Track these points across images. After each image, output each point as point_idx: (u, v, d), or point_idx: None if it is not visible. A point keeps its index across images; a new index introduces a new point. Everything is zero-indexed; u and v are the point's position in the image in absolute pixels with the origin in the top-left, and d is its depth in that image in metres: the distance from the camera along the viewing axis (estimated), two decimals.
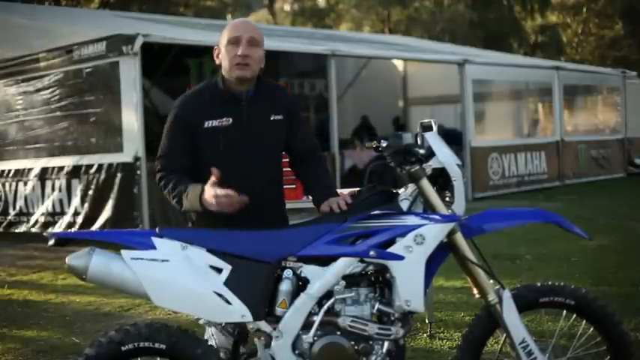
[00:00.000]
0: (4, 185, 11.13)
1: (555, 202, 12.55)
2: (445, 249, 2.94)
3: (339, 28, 35.27)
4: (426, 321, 4.91)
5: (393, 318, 2.89)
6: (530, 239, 8.30)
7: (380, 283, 2.93)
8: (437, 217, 2.87)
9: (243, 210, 2.95)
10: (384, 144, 2.97)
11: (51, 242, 2.90)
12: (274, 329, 2.84)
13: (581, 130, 17.82)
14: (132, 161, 9.41)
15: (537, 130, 17.33)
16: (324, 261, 2.87)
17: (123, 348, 2.73)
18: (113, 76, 9.60)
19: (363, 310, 2.89)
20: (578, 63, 27.12)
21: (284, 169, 3.36)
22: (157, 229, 2.92)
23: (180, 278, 2.80)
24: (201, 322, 2.96)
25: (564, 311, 3.12)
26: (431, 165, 2.92)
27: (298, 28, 25.35)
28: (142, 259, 2.80)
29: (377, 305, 2.90)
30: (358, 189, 3.11)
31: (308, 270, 2.87)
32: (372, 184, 3.05)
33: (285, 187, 3.40)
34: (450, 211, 2.91)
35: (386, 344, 2.88)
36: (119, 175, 9.51)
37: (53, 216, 10.31)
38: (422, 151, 2.94)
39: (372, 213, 2.89)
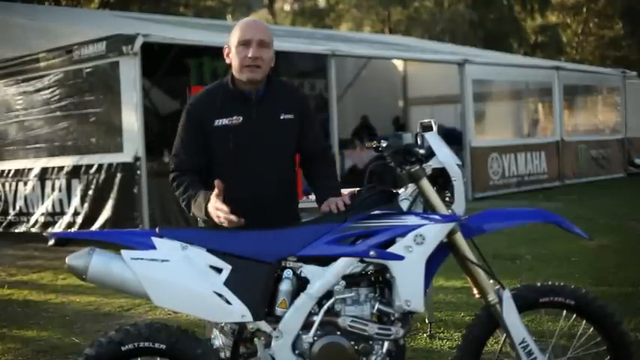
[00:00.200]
0: (4, 185, 11.13)
1: (555, 202, 12.55)
2: (445, 249, 2.94)
3: (339, 28, 35.28)
4: (426, 321, 4.91)
5: (393, 318, 2.89)
6: (530, 239, 8.30)
7: (380, 283, 2.93)
8: (437, 217, 2.87)
9: (254, 210, 2.99)
10: (384, 144, 2.97)
11: (51, 242, 2.90)
12: (274, 329, 2.84)
13: (581, 130, 17.81)
14: (132, 161, 9.41)
15: (537, 130, 17.33)
16: (324, 261, 2.87)
17: (123, 348, 2.73)
18: (113, 76, 9.59)
19: (363, 310, 2.89)
20: (578, 63, 27.12)
21: None
22: (157, 229, 2.93)
23: (181, 278, 2.80)
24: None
25: (564, 311, 3.12)
26: (431, 165, 2.92)
27: (298, 28, 25.35)
28: (142, 259, 2.81)
29: (377, 305, 2.90)
30: (358, 189, 3.11)
31: (308, 270, 2.87)
32: (372, 184, 3.05)
33: None
34: (450, 211, 2.91)
35: (386, 344, 2.88)
36: (119, 175, 9.50)
37: (53, 216, 10.31)
38: (422, 151, 2.94)
39: (372, 213, 2.89)
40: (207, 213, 2.94)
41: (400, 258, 2.82)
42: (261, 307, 2.84)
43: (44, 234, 3.02)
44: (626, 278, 6.28)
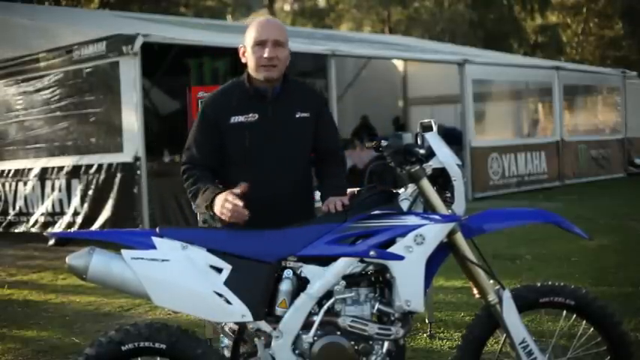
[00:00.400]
0: (4, 185, 11.13)
1: (555, 202, 12.55)
2: (445, 249, 2.94)
3: (339, 28, 35.26)
4: (426, 321, 4.91)
5: (393, 318, 2.89)
6: (530, 239, 8.30)
7: (380, 283, 2.93)
8: (437, 217, 2.87)
9: (268, 209, 3.02)
10: (384, 144, 2.97)
11: (51, 242, 2.91)
12: (274, 329, 2.84)
13: (581, 130, 17.81)
14: (132, 161, 9.41)
15: (537, 130, 17.33)
16: (324, 261, 2.87)
17: (123, 348, 2.73)
18: (113, 76, 9.59)
19: (363, 310, 2.89)
20: (578, 63, 27.11)
21: None
22: (157, 229, 2.93)
23: (181, 278, 2.80)
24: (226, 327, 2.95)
25: (564, 311, 3.12)
26: (431, 165, 2.92)
27: (298, 28, 25.34)
28: (142, 258, 2.81)
29: (377, 305, 2.90)
30: (358, 189, 3.11)
31: (308, 270, 2.87)
32: (372, 184, 3.05)
33: None
34: (450, 211, 2.91)
35: (386, 344, 2.89)
36: (119, 175, 9.50)
37: (53, 216, 10.31)
38: (422, 151, 2.94)
39: (372, 213, 2.89)
40: (211, 205, 2.95)
41: (400, 258, 2.82)
42: (262, 307, 2.84)
43: (44, 234, 3.02)
44: (626, 278, 6.28)
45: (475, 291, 3.04)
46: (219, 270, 2.84)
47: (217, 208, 2.93)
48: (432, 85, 17.06)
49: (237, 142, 3.13)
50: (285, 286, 2.87)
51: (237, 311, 2.80)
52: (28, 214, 10.68)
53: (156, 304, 2.91)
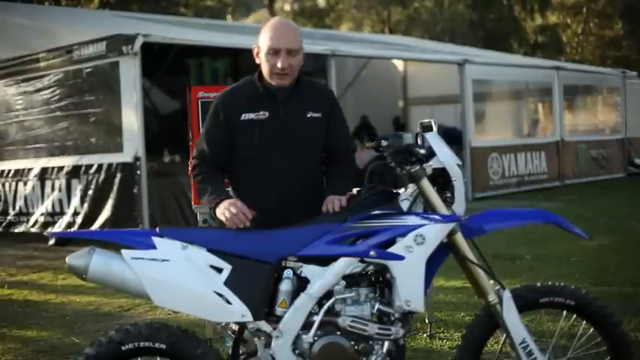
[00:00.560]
0: (4, 185, 11.13)
1: (555, 202, 12.55)
2: (445, 249, 2.94)
3: (339, 28, 35.26)
4: (426, 321, 4.91)
5: (393, 318, 2.89)
6: (530, 239, 8.30)
7: (380, 283, 2.93)
8: (437, 217, 2.87)
9: (277, 208, 3.06)
10: (384, 144, 2.97)
11: (51, 242, 2.91)
12: (274, 329, 2.84)
13: (581, 130, 17.81)
14: (132, 161, 9.41)
15: (537, 130, 17.33)
16: (325, 261, 2.87)
17: (123, 348, 2.73)
18: (113, 76, 9.59)
19: (363, 310, 2.89)
20: (578, 63, 27.10)
21: None
22: (157, 229, 2.93)
23: (181, 278, 2.80)
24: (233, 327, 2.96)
25: (564, 311, 3.12)
26: (431, 165, 2.92)
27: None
28: (142, 258, 2.81)
29: (377, 305, 2.90)
30: (358, 189, 3.11)
31: (308, 270, 2.88)
32: (372, 184, 3.04)
33: None
34: (450, 211, 2.91)
35: (386, 344, 2.89)
36: (119, 175, 9.50)
37: (53, 216, 10.31)
38: (422, 151, 2.94)
39: (372, 213, 2.89)
40: (215, 208, 2.99)
41: (400, 258, 2.82)
42: (262, 307, 2.84)
43: (44, 233, 3.02)
44: (626, 278, 6.28)
45: (475, 291, 3.04)
46: (219, 270, 2.84)
47: (220, 211, 2.96)
48: (432, 85, 17.06)
49: (246, 139, 3.14)
50: (285, 286, 2.87)
51: (237, 311, 2.80)
52: (28, 214, 10.68)
53: (156, 304, 2.91)
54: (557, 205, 11.65)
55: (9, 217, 10.98)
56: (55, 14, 15.37)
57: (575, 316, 3.13)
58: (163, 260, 2.81)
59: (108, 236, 3.11)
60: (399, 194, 2.98)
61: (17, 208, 10.86)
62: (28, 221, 10.67)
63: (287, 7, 39.93)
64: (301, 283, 2.87)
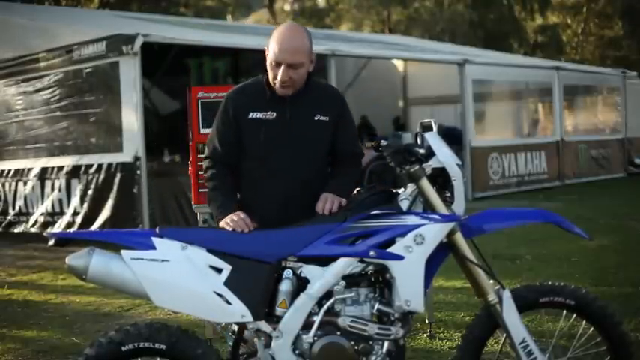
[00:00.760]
0: (4, 185, 11.13)
1: (555, 202, 12.55)
2: (445, 249, 2.94)
3: (339, 28, 35.25)
4: (426, 321, 4.91)
5: (393, 318, 2.89)
6: (530, 239, 8.29)
7: (380, 283, 2.93)
8: (437, 217, 2.87)
9: (280, 208, 3.08)
10: (383, 144, 2.97)
11: (51, 242, 2.92)
12: (274, 329, 2.84)
13: (581, 130, 17.82)
14: (132, 161, 9.40)
15: (537, 130, 17.33)
16: (324, 261, 2.87)
17: (123, 348, 2.73)
18: (113, 76, 9.59)
19: (363, 310, 2.89)
20: (578, 63, 27.10)
21: None
22: (156, 229, 2.93)
23: (180, 278, 2.80)
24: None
25: (564, 311, 3.12)
26: (431, 165, 2.92)
27: None
28: (141, 259, 2.81)
29: (377, 305, 2.90)
30: (358, 189, 3.11)
31: (308, 270, 2.88)
32: (372, 184, 3.04)
33: None
34: (449, 210, 2.91)
35: (386, 344, 2.89)
36: (119, 175, 9.50)
37: (53, 216, 10.31)
38: (422, 151, 2.94)
39: (371, 213, 2.89)
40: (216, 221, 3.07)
41: (400, 258, 2.82)
42: (261, 307, 2.84)
43: (44, 234, 3.02)
44: (626, 278, 6.28)
45: (475, 291, 3.04)
46: (218, 270, 2.84)
47: (222, 223, 3.02)
48: (432, 85, 17.06)
49: (252, 138, 3.15)
50: (285, 286, 2.87)
51: (236, 311, 2.80)
52: (28, 214, 10.68)
53: (156, 305, 2.91)
54: (557, 205, 11.65)
55: (9, 217, 10.98)
56: (55, 14, 15.37)
57: (574, 315, 3.13)
58: (163, 260, 2.81)
59: (107, 237, 3.11)
60: (398, 194, 2.98)
61: (17, 208, 10.86)
62: (27, 221, 10.67)
63: (287, 7, 39.92)
64: (301, 283, 2.87)
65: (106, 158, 9.69)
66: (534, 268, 6.98)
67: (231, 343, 2.98)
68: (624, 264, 6.95)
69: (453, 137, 13.13)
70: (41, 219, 10.46)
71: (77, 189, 9.95)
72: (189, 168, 4.64)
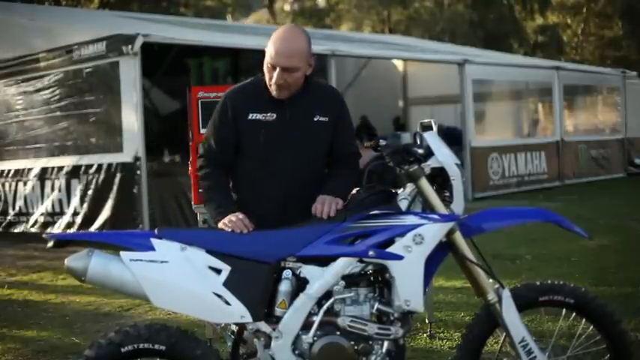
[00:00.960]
0: (3, 185, 11.12)
1: (555, 202, 12.55)
2: (444, 248, 2.94)
3: (339, 28, 35.25)
4: (426, 321, 4.91)
5: (392, 318, 2.89)
6: (530, 239, 8.29)
7: (379, 283, 2.93)
8: (436, 216, 2.87)
9: (280, 209, 3.08)
10: (382, 143, 2.97)
11: (50, 244, 2.90)
12: (274, 330, 2.84)
13: (581, 130, 17.82)
14: (132, 161, 9.40)
15: (537, 130, 17.32)
16: (324, 261, 2.87)
17: (122, 349, 2.73)
18: (113, 76, 9.59)
19: (362, 310, 2.89)
20: (578, 63, 27.09)
21: None
22: (155, 231, 2.93)
23: (180, 279, 2.80)
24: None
25: (564, 310, 3.12)
26: (429, 164, 2.92)
27: None
28: (140, 260, 2.81)
29: (376, 305, 2.90)
30: (357, 189, 3.11)
31: (307, 270, 2.87)
32: (371, 184, 3.04)
33: None
34: (448, 210, 2.91)
35: (385, 344, 2.88)
36: (119, 175, 9.50)
37: (52, 216, 10.31)
38: (420, 151, 2.94)
39: (370, 213, 2.88)
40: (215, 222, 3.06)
41: (399, 258, 2.81)
42: (261, 308, 2.84)
43: (43, 236, 3.02)
44: (626, 278, 6.28)
45: (474, 290, 3.04)
46: (218, 271, 2.84)
47: (221, 224, 3.01)
48: (432, 85, 17.05)
49: (252, 139, 3.14)
50: (284, 287, 2.87)
51: (236, 312, 2.80)
52: (28, 214, 10.68)
53: (155, 306, 2.91)
54: (557, 205, 11.64)
55: (9, 217, 10.98)
56: (55, 14, 15.37)
57: (574, 314, 3.13)
58: (162, 262, 2.81)
59: (106, 238, 3.10)
60: (397, 194, 2.97)
61: (17, 208, 10.86)
62: (27, 221, 10.66)
63: (287, 7, 39.92)
64: (300, 284, 2.87)
65: (106, 158, 9.69)
66: (534, 268, 6.98)
67: (230, 344, 2.98)
68: (624, 264, 6.95)
69: (453, 137, 13.13)
70: (41, 219, 10.46)
71: (77, 189, 9.95)
72: (189, 168, 4.64)
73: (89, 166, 9.83)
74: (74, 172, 10.04)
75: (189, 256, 2.84)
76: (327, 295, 2.87)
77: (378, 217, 2.87)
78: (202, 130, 4.51)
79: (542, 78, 16.45)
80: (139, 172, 9.35)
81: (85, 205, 9.82)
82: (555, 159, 15.99)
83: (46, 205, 10.39)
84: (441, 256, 2.93)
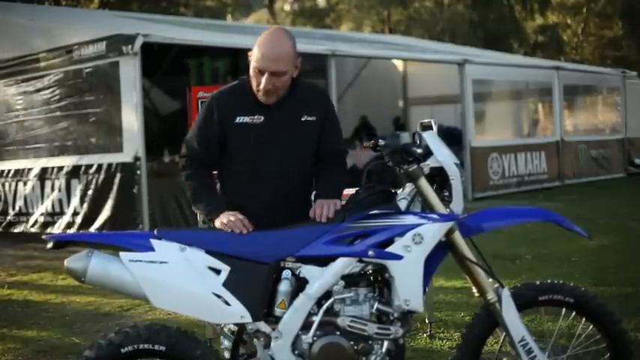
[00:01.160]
0: (4, 185, 11.12)
1: (555, 202, 12.54)
2: (444, 248, 2.94)
3: (339, 28, 35.24)
4: (426, 321, 4.91)
5: (392, 317, 2.89)
6: (530, 239, 8.29)
7: (379, 282, 2.93)
8: (435, 216, 2.87)
9: (271, 210, 3.06)
10: (381, 143, 2.97)
11: (49, 245, 2.90)
12: (273, 330, 2.84)
13: (581, 130, 17.81)
14: (132, 161, 9.40)
15: (537, 130, 17.32)
16: (323, 261, 2.87)
17: (122, 350, 2.73)
18: (113, 76, 9.59)
19: (362, 310, 2.89)
20: (578, 63, 27.09)
21: None
22: (155, 231, 2.93)
23: (179, 280, 2.80)
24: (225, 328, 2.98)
25: (563, 309, 3.12)
26: (429, 164, 2.92)
27: (298, 28, 25.32)
28: (140, 261, 2.81)
29: (376, 305, 2.90)
30: (356, 189, 3.11)
31: (307, 270, 2.87)
32: (370, 183, 3.04)
33: None
34: (448, 210, 2.91)
35: (385, 344, 2.88)
36: (119, 175, 9.50)
37: (52, 216, 10.30)
38: (419, 151, 2.94)
39: (370, 213, 2.88)
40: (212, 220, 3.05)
41: (399, 257, 2.81)
42: (260, 308, 2.84)
43: (42, 237, 3.02)
44: (626, 278, 6.27)
45: (474, 290, 3.04)
46: (217, 271, 2.84)
47: (219, 222, 3.00)
48: (432, 85, 17.04)
49: (241, 142, 3.13)
50: (284, 287, 2.87)
51: (236, 312, 2.80)
52: (28, 214, 10.68)
53: (155, 306, 2.91)
54: (557, 205, 11.63)
55: (9, 217, 10.98)
56: (55, 14, 15.36)
57: (574, 313, 3.13)
58: (161, 262, 2.81)
59: (106, 239, 3.10)
60: (397, 194, 2.97)
61: (17, 208, 10.86)
62: (27, 221, 10.66)
63: (287, 7, 39.91)
64: (300, 284, 2.87)
65: (106, 158, 9.69)
66: (534, 268, 6.97)
67: (225, 345, 2.98)
68: (624, 264, 6.95)
69: (453, 137, 13.12)
70: (41, 219, 10.46)
71: (77, 189, 9.95)
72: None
73: (89, 166, 9.83)
74: (74, 172, 10.04)
75: (188, 256, 2.84)
76: (327, 295, 2.87)
77: (378, 216, 2.87)
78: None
79: (542, 78, 16.44)
80: (139, 172, 9.35)
81: (85, 205, 9.82)
82: (555, 159, 15.98)
83: (46, 205, 10.39)
84: (440, 256, 2.93)
